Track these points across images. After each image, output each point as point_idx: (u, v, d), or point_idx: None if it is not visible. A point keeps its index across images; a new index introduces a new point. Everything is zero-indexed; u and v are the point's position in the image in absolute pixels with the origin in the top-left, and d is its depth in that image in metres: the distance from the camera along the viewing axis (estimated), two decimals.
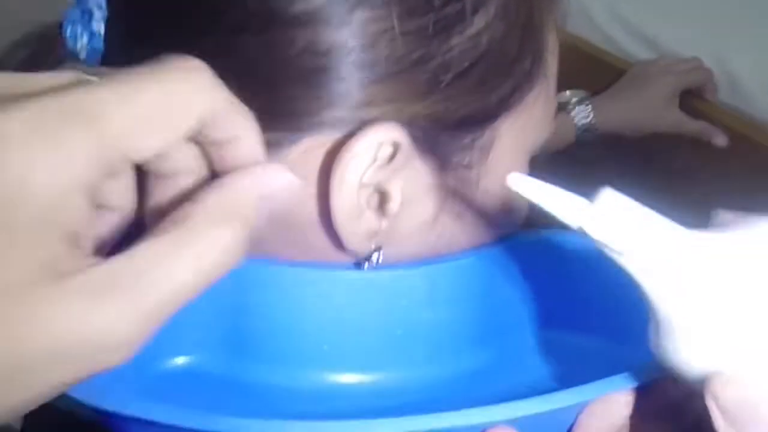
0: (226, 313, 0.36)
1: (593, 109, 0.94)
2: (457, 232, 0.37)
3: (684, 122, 0.94)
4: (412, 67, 0.32)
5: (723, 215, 0.27)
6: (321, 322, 0.36)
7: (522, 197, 0.26)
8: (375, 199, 0.34)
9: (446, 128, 0.33)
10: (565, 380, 0.31)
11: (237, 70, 0.28)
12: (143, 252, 0.22)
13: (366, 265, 0.35)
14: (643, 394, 0.29)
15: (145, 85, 0.23)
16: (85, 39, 0.33)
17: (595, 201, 0.25)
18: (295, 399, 0.37)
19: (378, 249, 0.35)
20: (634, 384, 0.29)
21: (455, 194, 0.35)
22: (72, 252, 0.21)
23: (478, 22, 0.33)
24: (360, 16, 0.31)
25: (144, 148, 0.23)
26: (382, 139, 0.32)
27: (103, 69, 0.30)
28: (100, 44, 0.34)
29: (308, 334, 0.36)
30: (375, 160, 0.32)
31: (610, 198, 0.25)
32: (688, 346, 0.26)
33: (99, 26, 0.34)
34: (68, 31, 0.34)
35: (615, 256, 0.26)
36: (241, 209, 0.24)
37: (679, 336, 0.26)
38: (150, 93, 0.23)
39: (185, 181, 0.26)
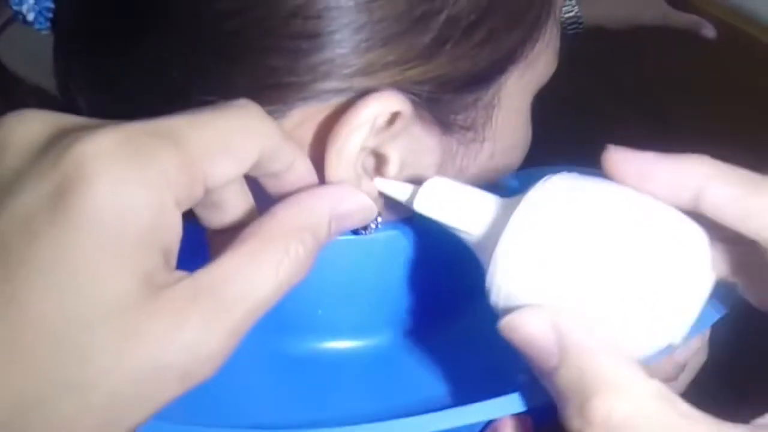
0: None
1: (578, 3, 0.90)
2: None
3: (671, 14, 0.90)
4: (415, 27, 0.28)
5: None
6: (315, 288, 0.35)
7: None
8: (371, 162, 0.31)
9: (450, 90, 0.30)
10: None
11: (222, 42, 0.28)
12: (224, 264, 0.23)
13: (365, 231, 0.33)
14: None
15: (211, 117, 0.24)
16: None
17: (423, 185, 0.30)
18: (290, 366, 0.36)
19: (377, 215, 0.32)
20: None
21: (456, 154, 0.33)
22: (165, 267, 0.22)
23: None
24: None
25: (218, 173, 0.24)
26: (381, 109, 0.29)
27: None
28: (49, 2, 0.30)
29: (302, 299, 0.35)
30: (373, 127, 0.29)
31: (436, 183, 0.30)
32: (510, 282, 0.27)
33: None
34: None
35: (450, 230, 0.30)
36: (312, 225, 0.25)
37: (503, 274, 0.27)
38: (218, 122, 0.24)
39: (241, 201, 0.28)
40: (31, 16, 0.30)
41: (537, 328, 0.26)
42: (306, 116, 0.30)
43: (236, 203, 0.27)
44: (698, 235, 0.27)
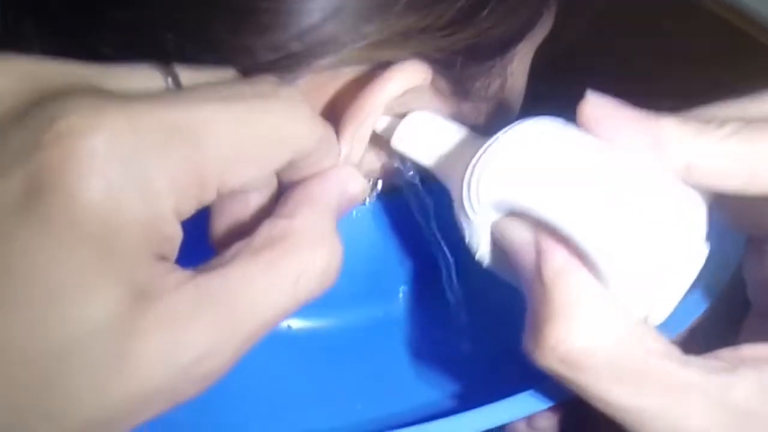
0: None
1: None
2: None
3: None
4: None
5: None
6: None
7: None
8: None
9: (477, 58, 0.28)
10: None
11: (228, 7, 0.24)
12: (238, 271, 0.20)
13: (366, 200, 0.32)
14: None
15: (249, 115, 0.20)
16: None
17: (403, 120, 0.27)
18: (288, 343, 0.35)
19: (376, 181, 0.31)
20: None
21: (461, 113, 0.31)
22: (159, 269, 0.19)
23: None
24: None
25: (236, 179, 0.20)
26: (406, 84, 0.26)
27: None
28: None
29: None
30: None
31: (417, 117, 0.28)
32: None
33: None
34: None
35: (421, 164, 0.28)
36: (332, 228, 0.22)
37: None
38: (255, 124, 0.20)
39: (257, 198, 0.24)
40: None
41: (520, 237, 0.24)
42: (316, 84, 0.27)
43: (252, 194, 0.24)
44: (694, 201, 0.23)
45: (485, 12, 0.27)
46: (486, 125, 0.32)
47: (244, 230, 0.23)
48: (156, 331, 0.18)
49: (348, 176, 0.25)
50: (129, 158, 0.18)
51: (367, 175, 0.30)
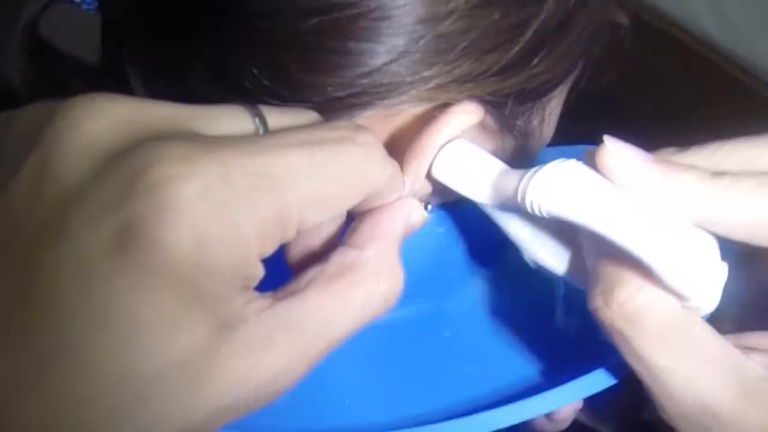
0: None
1: None
2: None
3: None
4: (508, 36, 0.28)
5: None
6: None
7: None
8: None
9: (527, 100, 0.30)
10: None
11: (300, 40, 0.26)
12: (312, 299, 0.21)
13: None
14: None
15: (329, 161, 0.21)
16: None
17: (445, 149, 0.29)
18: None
19: (427, 204, 0.33)
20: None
21: (501, 148, 0.33)
22: (242, 299, 0.20)
23: None
24: None
25: (315, 219, 0.22)
26: (463, 124, 0.28)
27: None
28: None
29: None
30: None
31: (457, 145, 0.29)
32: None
33: None
34: None
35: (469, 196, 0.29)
36: (396, 259, 0.24)
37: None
38: (334, 169, 0.22)
39: (329, 227, 0.26)
40: None
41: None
42: (377, 120, 0.29)
43: (325, 225, 0.26)
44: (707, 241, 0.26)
45: (537, 59, 0.29)
46: (512, 160, 0.35)
47: (317, 254, 0.25)
48: (236, 357, 0.19)
49: (411, 208, 0.26)
50: (219, 208, 0.19)
51: (420, 199, 0.32)
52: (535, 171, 0.26)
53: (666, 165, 0.25)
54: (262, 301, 0.20)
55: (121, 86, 0.30)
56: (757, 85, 0.76)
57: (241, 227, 0.19)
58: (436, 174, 0.30)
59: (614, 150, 0.25)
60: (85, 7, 0.31)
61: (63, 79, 0.35)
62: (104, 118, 0.19)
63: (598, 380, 0.30)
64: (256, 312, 0.20)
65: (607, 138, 0.25)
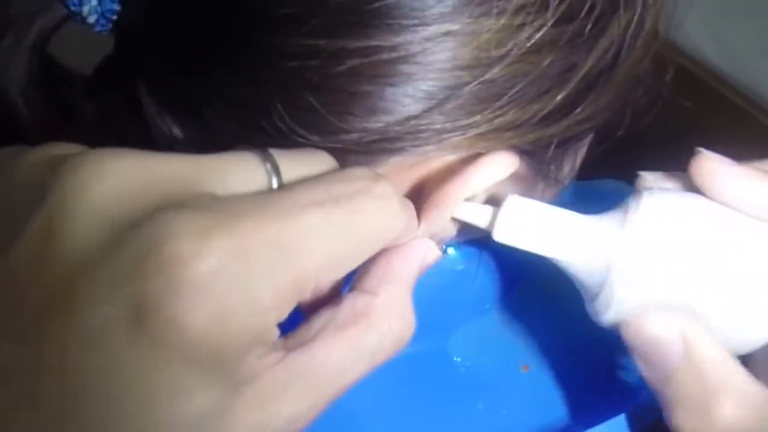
0: None
1: None
2: None
3: None
4: (554, 83, 0.26)
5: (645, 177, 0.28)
6: None
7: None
8: None
9: (563, 147, 0.29)
10: None
11: (330, 82, 0.25)
12: (324, 348, 0.21)
13: None
14: None
15: (346, 222, 0.21)
16: (94, 1, 0.29)
17: (501, 207, 0.27)
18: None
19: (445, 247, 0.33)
20: None
21: (535, 190, 0.31)
22: (254, 357, 0.20)
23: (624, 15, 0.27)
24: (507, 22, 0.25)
25: (332, 279, 0.22)
26: (496, 175, 0.27)
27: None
28: (114, 5, 0.29)
29: None
30: None
31: (515, 203, 0.27)
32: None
33: None
34: None
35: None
36: (408, 303, 0.24)
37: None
38: (351, 229, 0.21)
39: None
40: (92, 19, 0.29)
41: (666, 332, 0.26)
42: (407, 165, 0.27)
43: None
44: None
45: (581, 107, 0.27)
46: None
47: (329, 296, 0.24)
48: (250, 410, 0.20)
49: (426, 249, 0.26)
50: (236, 284, 0.18)
51: (441, 241, 0.31)
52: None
53: (762, 172, 0.25)
54: (275, 354, 0.20)
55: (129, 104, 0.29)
56: (756, 110, 0.77)
57: (258, 299, 0.19)
58: (500, 238, 0.27)
59: (714, 157, 0.26)
60: (98, 29, 0.29)
61: (69, 100, 0.33)
62: (112, 180, 0.19)
63: (619, 427, 0.29)
64: (269, 366, 0.20)
65: (701, 149, 0.26)
